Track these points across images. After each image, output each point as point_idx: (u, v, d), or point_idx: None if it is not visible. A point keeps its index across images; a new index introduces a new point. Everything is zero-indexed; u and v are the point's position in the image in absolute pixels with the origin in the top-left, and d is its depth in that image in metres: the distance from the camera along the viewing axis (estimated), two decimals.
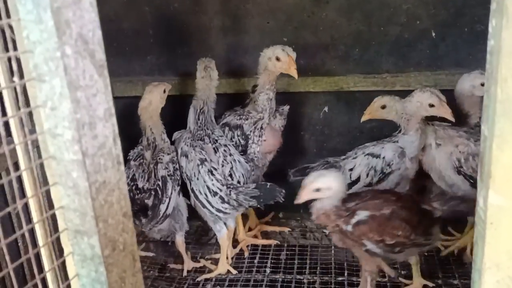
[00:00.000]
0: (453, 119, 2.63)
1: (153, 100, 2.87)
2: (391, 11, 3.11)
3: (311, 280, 2.91)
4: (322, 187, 2.27)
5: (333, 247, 3.18)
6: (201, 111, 3.00)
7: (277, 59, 2.84)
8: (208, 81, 3.01)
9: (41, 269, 1.16)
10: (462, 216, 2.84)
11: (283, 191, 2.75)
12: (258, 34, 3.27)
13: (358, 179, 2.86)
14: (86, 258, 1.04)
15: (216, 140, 2.99)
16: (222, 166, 2.91)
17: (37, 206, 1.10)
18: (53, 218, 1.13)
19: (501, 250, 1.10)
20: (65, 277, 1.17)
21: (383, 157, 2.78)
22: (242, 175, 2.95)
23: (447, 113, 2.63)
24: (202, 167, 2.86)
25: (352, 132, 3.40)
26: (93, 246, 1.03)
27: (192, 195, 2.93)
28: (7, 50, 1.02)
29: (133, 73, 3.35)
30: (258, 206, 2.84)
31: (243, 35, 3.29)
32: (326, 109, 3.37)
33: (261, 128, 3.02)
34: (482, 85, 2.72)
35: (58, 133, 0.98)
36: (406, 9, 3.10)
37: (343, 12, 3.16)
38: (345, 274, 2.94)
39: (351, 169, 2.88)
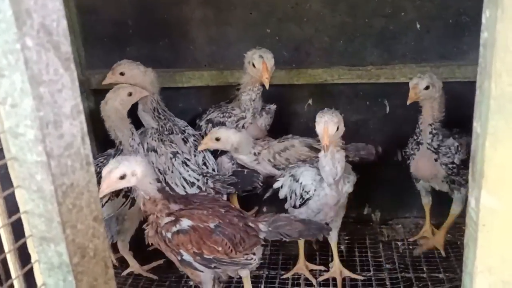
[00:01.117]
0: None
1: (109, 101, 2.67)
2: (376, 2, 3.06)
3: (296, 276, 2.87)
4: (126, 172, 2.08)
5: (317, 241, 3.13)
6: (158, 104, 2.96)
7: (253, 65, 2.79)
8: (151, 75, 2.93)
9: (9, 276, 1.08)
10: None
11: (261, 176, 2.78)
12: (241, 26, 3.19)
13: (286, 198, 2.68)
14: (53, 266, 0.97)
15: (184, 131, 2.98)
16: (195, 156, 2.89)
17: (1, 210, 1.02)
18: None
19: (494, 253, 1.05)
20: (34, 285, 1.09)
21: (301, 183, 2.56)
22: (215, 162, 2.95)
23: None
24: (175, 159, 2.81)
25: None
26: (61, 253, 0.96)
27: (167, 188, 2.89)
28: None
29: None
30: (237, 193, 2.81)
31: (226, 26, 3.21)
32: (310, 101, 3.32)
33: (243, 127, 3.00)
34: None
35: (20, 132, 0.90)
36: (391, 1, 3.05)
37: (328, 3, 3.09)
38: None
39: (280, 187, 2.69)
